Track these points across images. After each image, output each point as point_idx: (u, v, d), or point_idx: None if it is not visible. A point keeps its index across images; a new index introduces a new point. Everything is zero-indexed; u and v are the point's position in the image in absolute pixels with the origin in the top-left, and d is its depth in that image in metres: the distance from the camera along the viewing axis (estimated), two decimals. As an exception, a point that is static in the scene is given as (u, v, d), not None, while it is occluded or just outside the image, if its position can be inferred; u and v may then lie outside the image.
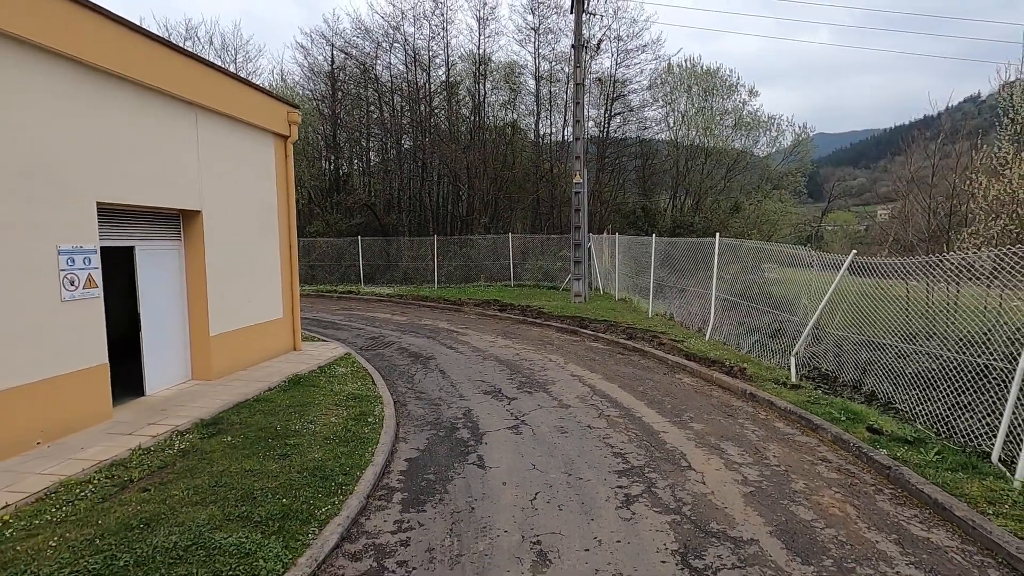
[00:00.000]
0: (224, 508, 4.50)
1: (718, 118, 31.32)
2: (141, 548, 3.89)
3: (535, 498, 4.95)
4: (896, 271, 7.03)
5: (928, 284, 6.65)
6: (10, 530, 4.15)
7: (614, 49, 29.18)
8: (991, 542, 4.03)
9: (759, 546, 4.14)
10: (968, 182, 11.71)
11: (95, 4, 6.37)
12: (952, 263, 6.17)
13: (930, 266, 6.44)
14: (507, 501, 4.90)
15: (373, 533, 4.41)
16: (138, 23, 6.74)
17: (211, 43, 32.51)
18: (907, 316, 6.98)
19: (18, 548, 3.90)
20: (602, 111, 29.78)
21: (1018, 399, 4.89)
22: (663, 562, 3.95)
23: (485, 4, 29.44)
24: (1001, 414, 5.09)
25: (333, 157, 30.49)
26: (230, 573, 3.65)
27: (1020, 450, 4.77)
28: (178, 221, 8.32)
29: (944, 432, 5.81)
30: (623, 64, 29.42)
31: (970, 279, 6.25)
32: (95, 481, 4.98)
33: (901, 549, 4.09)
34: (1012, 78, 11.83)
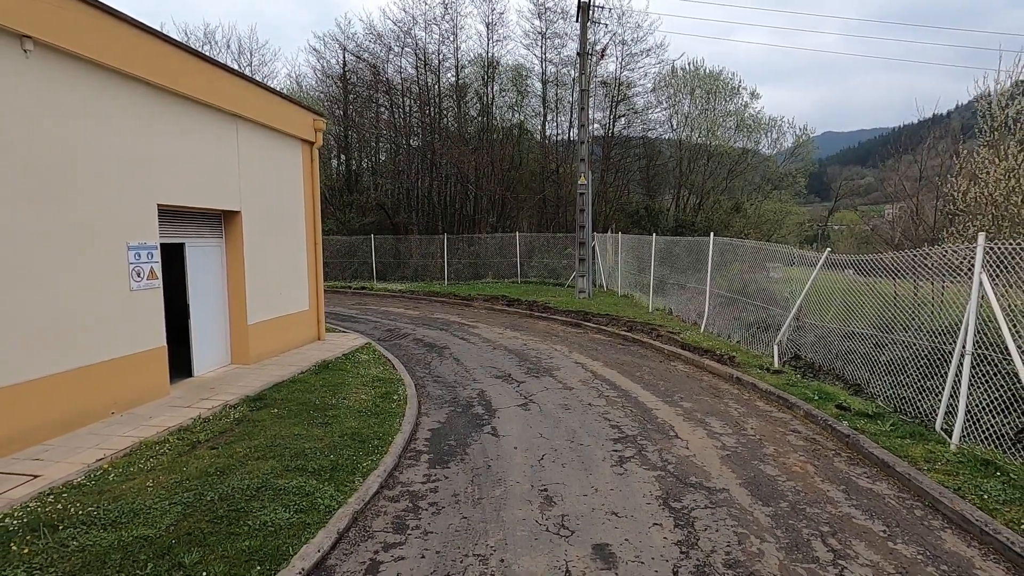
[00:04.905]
0: (282, 462, 5.38)
1: (720, 120, 32.04)
2: (221, 488, 4.77)
3: (542, 459, 5.81)
4: (868, 268, 7.82)
5: (893, 280, 7.44)
6: (111, 475, 5.05)
7: (619, 53, 29.95)
8: (922, 490, 4.85)
9: (729, 493, 4.98)
10: (950, 185, 12.46)
11: (169, 36, 7.27)
12: (889, 261, 7.02)
13: (879, 262, 7.27)
14: (518, 461, 5.75)
15: (407, 483, 5.27)
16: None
17: (228, 47, 33.60)
18: (862, 304, 7.77)
19: (123, 487, 4.80)
20: (607, 113, 30.58)
21: (956, 376, 5.69)
22: (647, 504, 4.79)
23: (494, 10, 30.50)
24: (947, 390, 5.89)
25: (344, 157, 31.47)
26: (296, 506, 4.53)
27: (955, 418, 5.57)
28: (220, 220, 9.23)
29: (908, 411, 6.56)
30: (628, 67, 30.21)
31: (905, 275, 7.11)
32: (169, 442, 5.88)
33: (847, 496, 4.91)
34: (989, 87, 12.53)
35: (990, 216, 11.37)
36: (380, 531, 4.39)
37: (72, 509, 4.39)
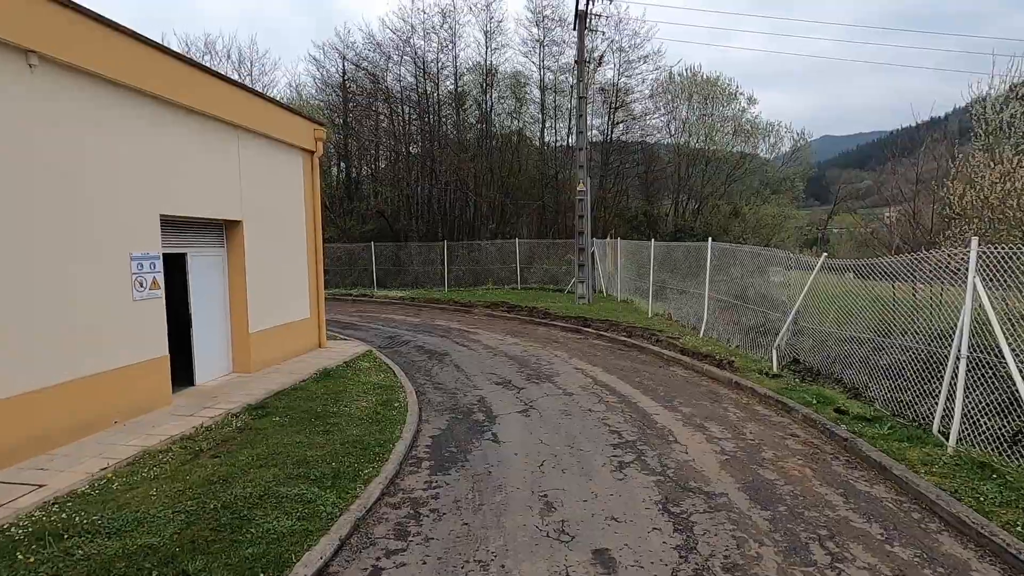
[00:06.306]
0: (284, 470, 5.42)
1: (718, 125, 32.21)
2: (224, 496, 4.82)
3: (542, 464, 5.85)
4: (865, 271, 7.88)
5: (887, 283, 7.51)
6: (115, 484, 5.09)
7: (616, 60, 30.18)
8: (919, 493, 4.89)
9: (728, 497, 5.02)
10: (946, 189, 12.53)
11: (170, 48, 7.37)
12: (885, 265, 7.10)
13: (876, 266, 7.34)
14: (519, 467, 5.79)
15: (408, 490, 5.31)
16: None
17: (228, 57, 33.81)
18: (859, 308, 7.83)
19: (126, 496, 4.84)
20: (605, 119, 30.77)
21: (952, 379, 5.74)
22: (647, 509, 4.83)
23: (492, 18, 30.50)
24: (943, 393, 5.93)
25: (344, 165, 31.63)
26: (299, 513, 4.57)
27: (952, 421, 5.61)
28: (222, 230, 9.31)
29: (906, 414, 6.59)
30: (625, 74, 30.42)
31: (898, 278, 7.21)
32: (172, 450, 5.92)
33: (845, 499, 4.95)
34: (984, 91, 12.63)
35: (986, 219, 11.43)
36: (382, 538, 4.43)
37: (77, 518, 4.43)
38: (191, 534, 4.22)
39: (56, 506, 4.65)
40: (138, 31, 6.98)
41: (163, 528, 4.29)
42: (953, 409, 5.65)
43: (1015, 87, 12.80)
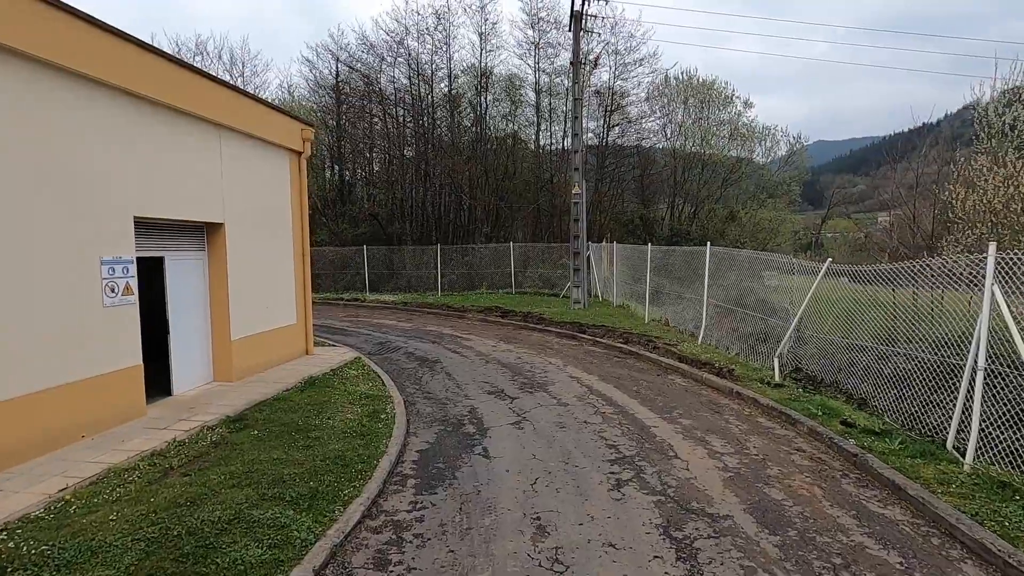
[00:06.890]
0: (258, 490, 5.05)
1: (714, 129, 32.03)
2: (190, 521, 4.44)
3: (535, 482, 5.50)
4: (870, 278, 7.59)
5: (891, 288, 7.22)
6: (73, 507, 4.71)
7: (612, 63, 29.95)
8: (937, 515, 4.57)
9: (733, 520, 4.69)
10: (947, 193, 12.31)
11: (148, 43, 7.01)
12: (890, 271, 6.83)
13: (884, 273, 7.06)
14: (510, 485, 5.45)
15: (391, 512, 4.95)
16: (150, 39, 7.32)
17: (220, 58, 33.42)
18: (863, 315, 7.53)
19: (84, 521, 4.46)
20: (601, 122, 30.51)
21: (968, 392, 5.43)
22: (647, 533, 4.49)
23: (486, 20, 30.06)
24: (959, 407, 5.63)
25: (337, 168, 31.23)
26: (270, 541, 4.21)
27: (969, 437, 5.30)
28: (203, 233, 8.93)
29: (916, 427, 6.29)
30: (621, 77, 30.17)
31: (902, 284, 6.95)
32: (140, 468, 5.54)
33: (858, 522, 4.63)
34: (986, 94, 12.43)
35: (989, 224, 11.19)
36: (360, 568, 4.07)
37: (25, 548, 4.04)
38: (149, 566, 3.85)
39: (5, 533, 4.26)
40: (115, 25, 6.63)
41: (119, 559, 3.92)
42: (969, 423, 5.35)
43: (1017, 89, 12.61)
